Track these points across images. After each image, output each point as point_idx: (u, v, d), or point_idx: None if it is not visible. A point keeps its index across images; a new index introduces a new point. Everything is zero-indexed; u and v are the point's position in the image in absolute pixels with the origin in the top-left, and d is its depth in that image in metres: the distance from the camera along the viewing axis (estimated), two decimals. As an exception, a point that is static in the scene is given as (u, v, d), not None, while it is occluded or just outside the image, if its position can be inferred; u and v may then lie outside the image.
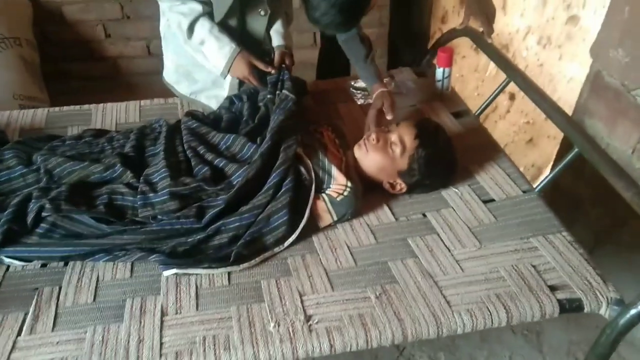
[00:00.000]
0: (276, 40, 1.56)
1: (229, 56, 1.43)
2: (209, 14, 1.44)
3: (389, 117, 1.43)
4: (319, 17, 1.15)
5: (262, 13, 1.49)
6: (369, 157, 1.34)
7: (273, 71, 1.50)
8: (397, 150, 1.30)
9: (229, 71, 1.46)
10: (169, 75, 1.66)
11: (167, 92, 1.70)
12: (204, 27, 1.42)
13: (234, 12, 1.46)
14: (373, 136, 1.33)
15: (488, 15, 1.68)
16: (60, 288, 1.13)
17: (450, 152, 1.37)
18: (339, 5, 1.12)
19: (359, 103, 1.71)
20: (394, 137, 1.32)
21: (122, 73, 2.65)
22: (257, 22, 1.52)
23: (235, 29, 1.49)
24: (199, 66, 1.53)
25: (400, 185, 1.34)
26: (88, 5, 2.43)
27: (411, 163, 1.31)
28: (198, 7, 1.42)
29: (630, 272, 1.54)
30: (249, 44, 1.51)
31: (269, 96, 1.47)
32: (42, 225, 1.21)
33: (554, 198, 1.83)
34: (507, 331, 1.69)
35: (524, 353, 1.64)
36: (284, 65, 1.52)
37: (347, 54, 1.56)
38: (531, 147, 2.16)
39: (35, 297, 1.11)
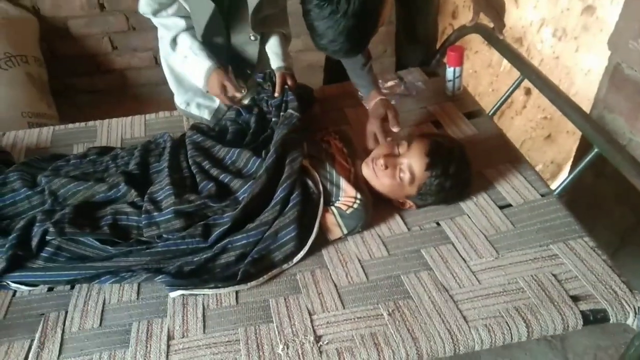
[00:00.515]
0: (274, 62, 1.52)
1: (204, 74, 1.41)
2: (192, 29, 1.43)
3: (395, 129, 1.37)
4: (326, 44, 1.10)
5: (252, 38, 1.47)
6: (376, 180, 1.28)
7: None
8: (406, 178, 1.23)
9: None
10: (170, 84, 1.65)
11: (174, 102, 1.68)
12: (185, 42, 1.42)
13: (215, 32, 1.44)
14: (381, 162, 1.25)
15: (498, 9, 1.61)
16: (66, 313, 1.11)
17: (463, 174, 1.27)
18: (346, 32, 1.06)
19: (366, 107, 1.65)
20: (403, 165, 1.24)
21: (129, 84, 2.64)
22: (248, 46, 1.50)
23: (221, 48, 1.48)
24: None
25: (410, 204, 1.29)
26: (93, 19, 2.42)
27: (420, 191, 1.24)
28: (181, 23, 1.41)
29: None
30: (244, 66, 1.50)
31: (274, 119, 1.43)
32: (47, 249, 1.19)
33: (575, 197, 1.76)
34: (530, 338, 1.63)
35: (548, 360, 1.58)
36: (286, 87, 1.47)
37: (343, 62, 1.51)
38: (549, 144, 2.09)
39: (42, 322, 1.09)
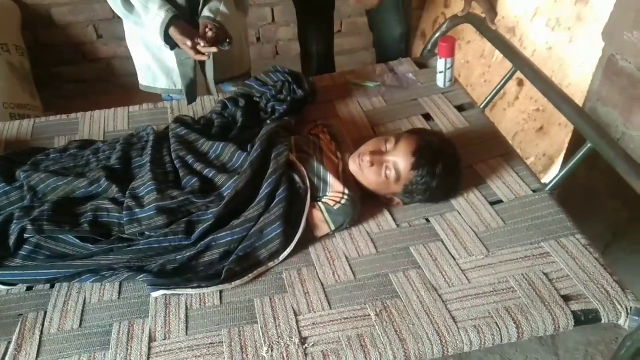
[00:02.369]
0: (206, 11, 1.48)
1: (160, 25, 1.41)
2: None
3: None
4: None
5: None
6: (362, 176, 1.24)
7: (190, 43, 1.40)
8: (392, 176, 1.20)
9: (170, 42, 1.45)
10: (145, 76, 1.65)
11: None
12: None
13: None
14: (367, 159, 1.21)
15: (490, 0, 1.58)
16: (45, 313, 1.08)
17: (452, 174, 1.23)
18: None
19: (356, 99, 1.62)
20: (389, 164, 1.20)
21: (116, 74, 2.59)
22: None
23: None
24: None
25: (397, 201, 1.26)
26: (77, 7, 2.36)
27: (406, 189, 1.21)
28: None
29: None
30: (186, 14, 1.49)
31: (267, 119, 1.42)
32: (26, 247, 1.16)
33: (567, 191, 1.74)
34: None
35: (538, 357, 1.57)
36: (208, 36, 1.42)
37: None
38: (542, 136, 2.06)
39: (20, 324, 1.06)
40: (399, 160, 1.19)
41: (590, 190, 1.67)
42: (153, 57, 1.60)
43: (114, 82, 2.58)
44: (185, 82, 1.58)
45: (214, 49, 1.39)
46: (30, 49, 2.32)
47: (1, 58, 2.07)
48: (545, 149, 2.04)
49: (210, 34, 1.42)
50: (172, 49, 1.46)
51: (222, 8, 1.48)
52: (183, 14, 1.45)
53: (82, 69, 2.54)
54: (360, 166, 1.23)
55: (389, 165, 1.19)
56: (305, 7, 2.00)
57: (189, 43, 1.38)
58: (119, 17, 2.39)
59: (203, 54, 1.40)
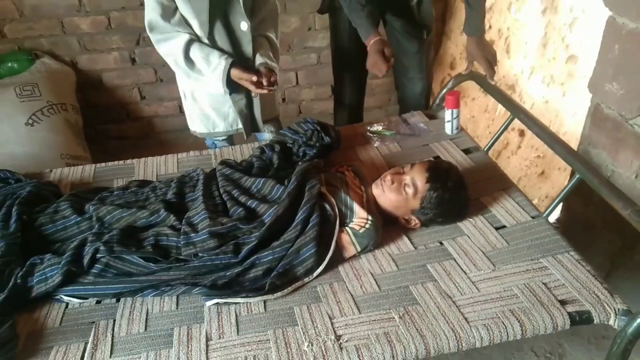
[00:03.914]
0: (258, 59, 1.79)
1: (222, 72, 1.70)
2: (194, 39, 1.72)
3: (391, 59, 1.80)
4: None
5: (243, 28, 1.73)
6: (384, 196, 1.47)
7: (255, 78, 1.70)
8: (410, 191, 1.43)
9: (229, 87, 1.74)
10: (205, 124, 1.92)
11: (198, 145, 1.89)
12: (196, 53, 1.72)
13: (216, 19, 1.70)
14: (388, 177, 1.46)
15: (489, 59, 1.83)
16: (114, 321, 1.26)
17: (461, 192, 1.46)
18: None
19: (375, 145, 1.85)
20: (407, 180, 1.44)
21: (155, 131, 2.87)
22: (244, 39, 1.77)
23: (223, 41, 1.75)
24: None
25: (415, 222, 1.46)
26: (125, 72, 2.68)
27: (423, 204, 1.42)
28: (185, 37, 1.70)
29: (645, 291, 1.61)
30: (244, 61, 1.79)
31: (298, 162, 1.66)
32: (97, 266, 1.35)
33: (568, 226, 1.92)
34: (529, 353, 1.75)
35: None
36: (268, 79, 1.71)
37: (345, 8, 1.89)
38: (543, 180, 2.26)
39: (93, 329, 1.24)
40: (416, 176, 1.42)
41: (588, 223, 1.84)
42: (211, 107, 1.89)
43: (154, 139, 2.86)
44: (242, 118, 1.88)
45: (274, 88, 1.72)
46: (82, 108, 2.61)
47: (60, 115, 2.36)
48: (547, 191, 2.24)
49: (273, 78, 1.74)
50: (230, 93, 1.75)
51: (272, 56, 1.81)
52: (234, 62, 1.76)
53: (126, 127, 2.83)
54: (382, 187, 1.45)
55: (407, 182, 1.41)
56: (342, 64, 2.28)
57: (254, 78, 1.68)
58: (161, 80, 2.72)
59: (263, 88, 1.70)
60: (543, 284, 1.25)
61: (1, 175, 1.72)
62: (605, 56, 1.62)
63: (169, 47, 1.73)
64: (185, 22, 1.71)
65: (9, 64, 2.45)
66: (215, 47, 1.75)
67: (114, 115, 2.78)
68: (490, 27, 2.57)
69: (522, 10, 2.36)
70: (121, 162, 1.86)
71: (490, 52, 1.85)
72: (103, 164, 1.86)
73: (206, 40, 1.73)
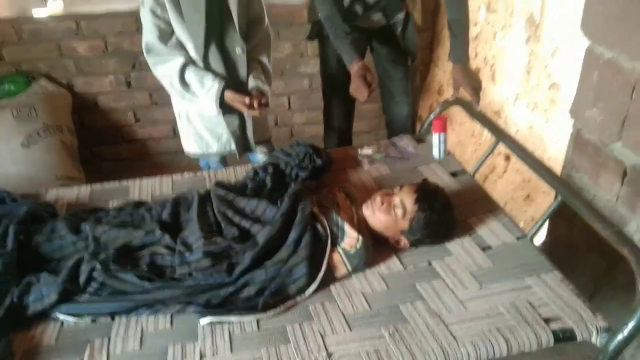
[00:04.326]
0: (250, 82, 1.88)
1: (215, 94, 1.78)
2: (190, 62, 1.79)
3: (373, 85, 1.91)
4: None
5: (239, 50, 1.81)
6: (374, 217, 1.51)
7: (248, 100, 1.80)
8: (399, 212, 1.48)
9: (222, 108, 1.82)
10: (199, 145, 1.96)
11: (192, 167, 1.93)
12: (191, 76, 1.79)
13: (211, 41, 1.77)
14: (378, 199, 1.51)
15: (474, 86, 1.91)
16: (109, 339, 1.27)
17: (448, 213, 1.51)
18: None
19: (365, 168, 1.91)
20: (396, 201, 1.49)
21: (149, 153, 2.92)
22: (239, 62, 1.84)
23: (218, 63, 1.82)
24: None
25: (404, 242, 1.50)
26: (120, 95, 2.73)
27: (412, 224, 1.47)
28: (180, 60, 1.77)
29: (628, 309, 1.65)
30: (238, 84, 1.87)
31: (290, 183, 1.70)
32: (92, 284, 1.37)
33: (553, 249, 1.97)
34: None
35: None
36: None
37: (330, 36, 1.99)
38: (529, 203, 2.32)
39: (88, 347, 1.25)
40: (405, 197, 1.47)
41: (572, 246, 1.89)
42: (205, 128, 1.95)
43: (148, 161, 2.90)
44: (235, 138, 1.95)
45: (263, 110, 1.78)
46: (77, 130, 2.65)
47: (56, 137, 2.40)
48: (533, 214, 2.30)
49: (264, 100, 1.82)
50: (223, 114, 1.83)
51: (264, 79, 1.88)
52: (227, 82, 1.84)
53: (121, 149, 2.86)
54: (372, 207, 1.49)
55: (397, 203, 1.46)
56: (330, 89, 2.35)
57: (247, 100, 1.76)
58: (155, 103, 2.77)
59: (255, 110, 1.77)
60: (528, 302, 1.29)
61: (-2, 195, 1.74)
62: (585, 84, 1.69)
63: (165, 69, 1.79)
64: (181, 45, 1.77)
65: (6, 86, 2.49)
66: (210, 70, 1.81)
67: (108, 137, 2.82)
68: (476, 55, 2.67)
69: (507, 38, 2.46)
70: (116, 182, 1.90)
71: (475, 79, 1.93)
72: (98, 185, 1.89)
73: (201, 64, 1.79)
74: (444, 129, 1.85)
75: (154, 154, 2.91)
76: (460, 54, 1.96)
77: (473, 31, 2.67)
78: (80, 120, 2.74)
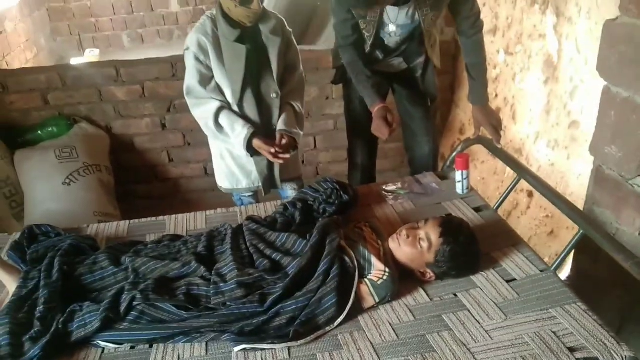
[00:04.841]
0: (280, 124, 1.98)
1: (244, 139, 1.89)
2: (225, 106, 1.91)
3: (394, 126, 1.97)
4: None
5: (274, 95, 1.92)
6: (400, 250, 1.57)
7: (273, 150, 1.91)
8: (425, 245, 1.53)
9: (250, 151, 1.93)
10: (230, 180, 2.10)
11: (222, 204, 2.04)
12: (224, 119, 1.92)
13: (248, 86, 1.89)
14: (404, 232, 1.57)
15: (495, 124, 1.98)
16: (148, 365, 1.35)
17: (472, 246, 1.56)
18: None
19: (390, 203, 1.97)
20: (421, 234, 1.55)
21: (181, 191, 3.04)
22: (273, 106, 1.96)
23: (252, 107, 1.94)
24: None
25: (430, 275, 1.55)
26: (155, 136, 2.88)
27: (437, 257, 1.52)
28: (215, 104, 1.89)
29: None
30: (269, 126, 1.99)
31: (319, 217, 1.77)
32: (132, 313, 1.45)
33: (578, 284, 1.98)
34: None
35: None
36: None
37: (352, 76, 2.07)
38: (553, 239, 2.34)
39: (128, 373, 1.32)
40: (430, 231, 1.52)
41: (597, 280, 1.91)
42: (236, 165, 2.07)
43: (179, 198, 3.02)
44: (262, 177, 2.06)
45: (288, 155, 1.85)
46: (114, 169, 2.79)
47: (95, 176, 2.54)
48: (557, 249, 2.31)
49: (284, 141, 1.91)
50: (252, 155, 1.94)
51: (294, 122, 1.99)
52: (258, 128, 1.95)
53: (153, 187, 2.99)
54: (398, 241, 1.55)
55: (422, 236, 1.51)
56: (354, 129, 2.45)
57: (273, 150, 1.86)
58: (188, 144, 2.90)
59: (279, 158, 1.85)
60: (552, 332, 1.32)
61: (43, 229, 1.85)
62: (603, 122, 1.75)
63: (201, 111, 1.93)
64: (219, 90, 1.90)
65: (50, 129, 2.66)
66: (244, 114, 1.93)
67: (143, 176, 2.96)
68: (496, 95, 2.75)
69: (526, 80, 2.54)
70: (153, 218, 2.00)
71: (495, 119, 2.00)
72: (136, 220, 1.99)
73: (236, 107, 1.92)
74: (466, 166, 1.92)
75: (186, 192, 3.03)
76: (480, 95, 2.05)
77: (493, 73, 2.77)
78: (117, 160, 2.88)
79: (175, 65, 2.72)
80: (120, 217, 2.59)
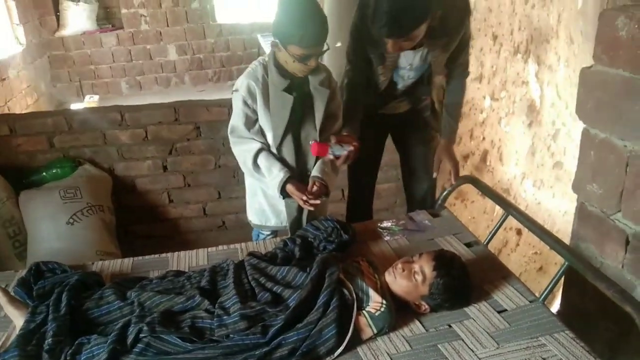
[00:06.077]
0: (315, 170, 2.05)
1: (279, 183, 1.96)
2: (265, 148, 1.99)
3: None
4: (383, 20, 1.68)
5: (312, 142, 1.99)
6: (396, 282, 1.64)
7: (305, 198, 1.96)
8: (419, 278, 1.61)
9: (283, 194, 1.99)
10: (260, 217, 2.21)
11: (220, 244, 2.11)
12: (263, 161, 1.99)
13: (289, 134, 1.97)
14: (399, 265, 1.65)
15: (455, 162, 2.14)
16: (153, 396, 1.39)
17: (464, 279, 1.64)
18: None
19: (385, 239, 2.06)
20: (416, 268, 1.63)
21: (180, 232, 3.10)
22: (308, 153, 2.02)
23: (290, 152, 2.01)
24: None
25: (424, 307, 1.62)
26: (156, 178, 2.96)
27: (431, 289, 1.60)
28: (256, 145, 1.96)
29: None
30: (305, 170, 2.06)
31: (317, 254, 1.84)
32: (139, 345, 1.50)
33: (567, 316, 2.05)
34: None
35: None
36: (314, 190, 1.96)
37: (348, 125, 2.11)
38: (542, 274, 2.43)
39: (135, 403, 1.36)
40: (424, 264, 1.60)
41: (585, 314, 1.98)
42: (268, 204, 2.16)
43: (178, 239, 3.08)
44: (290, 219, 2.14)
45: (318, 202, 1.94)
46: (115, 210, 2.86)
47: (98, 216, 2.60)
48: (546, 284, 2.38)
49: (315, 188, 1.99)
50: (284, 198, 2.02)
51: (328, 170, 2.06)
52: (293, 172, 2.03)
53: (153, 227, 3.05)
54: (394, 274, 1.62)
55: (417, 270, 1.59)
56: (355, 171, 2.56)
57: (304, 197, 1.94)
58: (188, 185, 2.99)
59: (310, 204, 1.94)
60: (542, 359, 1.38)
61: (49, 266, 1.91)
62: (584, 161, 1.85)
63: (242, 150, 2.04)
64: (262, 132, 2.00)
65: (55, 170, 2.74)
66: (282, 157, 2.02)
67: (143, 216, 3.02)
68: (483, 138, 2.89)
69: (511, 124, 2.68)
70: (156, 255, 2.06)
71: (454, 158, 2.15)
72: (140, 257, 2.06)
73: (275, 150, 2.01)
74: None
75: (184, 232, 3.09)
76: (452, 131, 2.24)
77: (479, 117, 2.91)
78: (118, 201, 2.96)
79: (178, 110, 2.84)
80: (121, 256, 2.64)
